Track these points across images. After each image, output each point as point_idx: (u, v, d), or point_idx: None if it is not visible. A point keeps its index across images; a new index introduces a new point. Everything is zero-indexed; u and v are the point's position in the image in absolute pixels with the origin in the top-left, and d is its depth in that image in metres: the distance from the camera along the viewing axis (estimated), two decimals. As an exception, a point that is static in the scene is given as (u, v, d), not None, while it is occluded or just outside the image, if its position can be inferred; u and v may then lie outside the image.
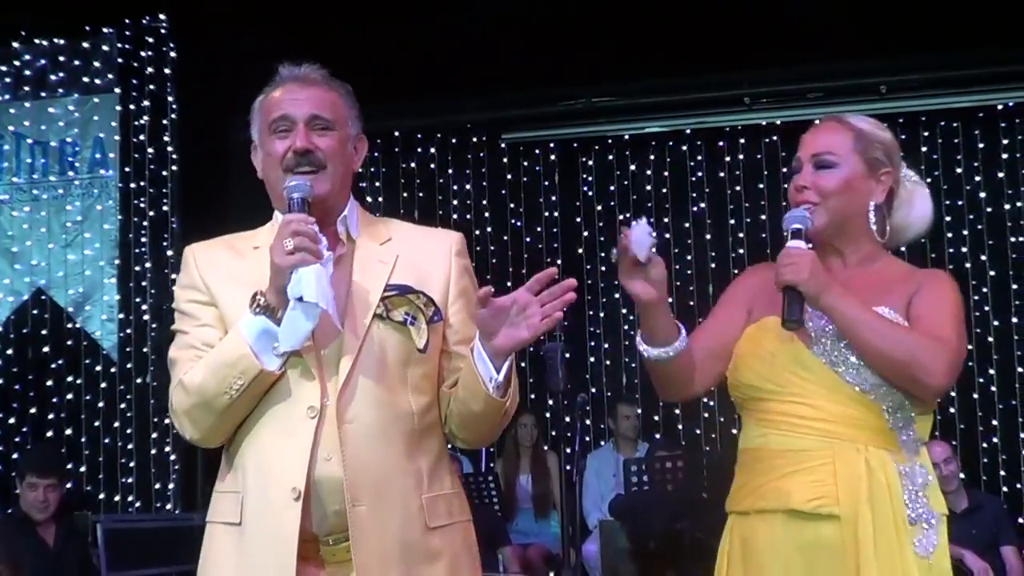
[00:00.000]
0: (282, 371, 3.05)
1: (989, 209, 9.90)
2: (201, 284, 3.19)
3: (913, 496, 3.29)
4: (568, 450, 8.09)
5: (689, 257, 10.36)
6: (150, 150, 9.90)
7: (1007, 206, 9.87)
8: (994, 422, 9.70)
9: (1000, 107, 9.87)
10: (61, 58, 10.06)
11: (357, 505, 3.02)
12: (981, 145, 9.96)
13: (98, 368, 9.76)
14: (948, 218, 9.90)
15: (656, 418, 10.32)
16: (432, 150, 10.56)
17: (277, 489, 3.02)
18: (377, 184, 10.46)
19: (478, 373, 3.04)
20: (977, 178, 9.95)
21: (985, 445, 9.69)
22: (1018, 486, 9.62)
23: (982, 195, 9.92)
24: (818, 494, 3.28)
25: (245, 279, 3.13)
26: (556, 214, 10.72)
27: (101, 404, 9.70)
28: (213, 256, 3.26)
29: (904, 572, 3.23)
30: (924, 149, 9.99)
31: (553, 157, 10.76)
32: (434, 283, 3.21)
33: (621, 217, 10.44)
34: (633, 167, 10.58)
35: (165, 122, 9.96)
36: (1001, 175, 9.89)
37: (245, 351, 3.01)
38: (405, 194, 10.68)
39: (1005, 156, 9.90)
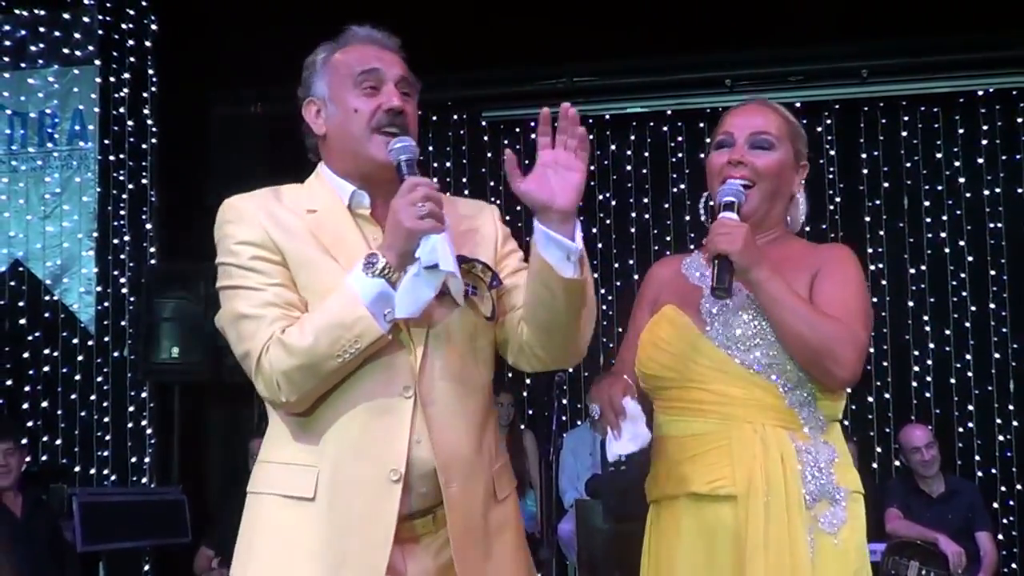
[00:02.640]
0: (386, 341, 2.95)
1: (968, 195, 9.92)
2: (268, 241, 3.03)
3: (815, 473, 3.29)
4: (545, 429, 8.09)
5: (668, 238, 10.37)
6: (130, 123, 9.85)
7: (986, 192, 9.88)
8: (970, 407, 9.73)
9: (980, 93, 9.88)
10: (41, 29, 9.99)
11: (450, 486, 2.98)
12: (961, 131, 9.98)
13: (75, 341, 9.71)
14: (927, 203, 9.93)
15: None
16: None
17: (372, 469, 2.94)
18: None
19: (548, 262, 2.93)
20: (956, 163, 9.96)
21: (961, 430, 9.72)
22: (993, 471, 9.66)
23: (961, 180, 9.94)
24: (715, 476, 3.31)
25: (308, 240, 3.03)
26: (536, 193, 10.69)
27: (78, 377, 9.66)
28: (276, 213, 3.09)
29: (795, 550, 3.22)
30: (904, 134, 10.01)
31: (534, 136, 10.67)
32: (485, 249, 3.17)
33: (601, 197, 10.44)
34: (614, 147, 10.57)
35: (145, 95, 9.91)
36: (980, 161, 9.91)
37: (362, 313, 2.88)
38: (386, 171, 10.65)
39: (984, 142, 9.92)
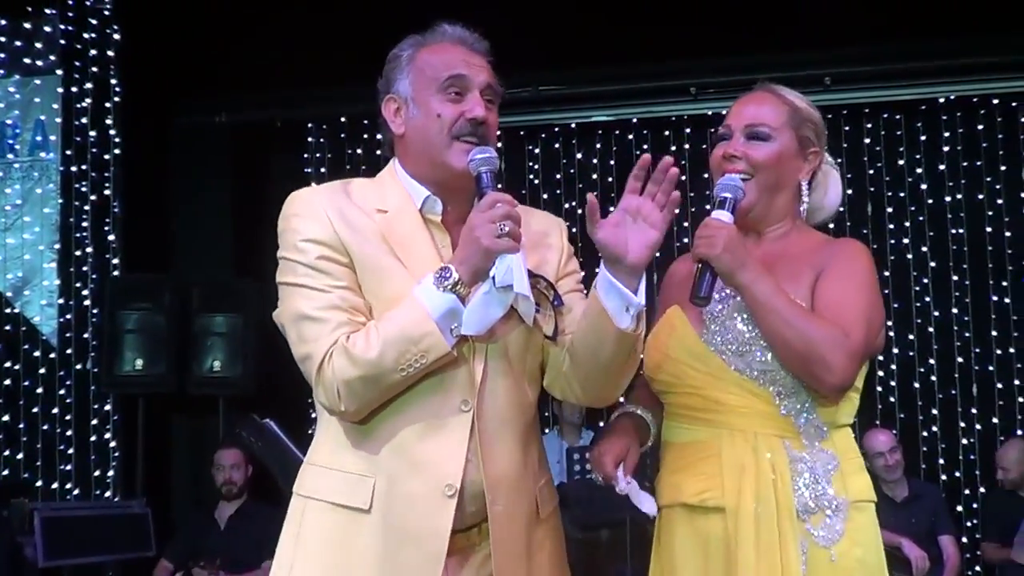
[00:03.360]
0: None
1: (931, 201, 9.96)
2: (337, 241, 2.97)
3: (811, 483, 3.21)
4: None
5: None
6: (92, 133, 9.78)
7: (948, 198, 9.92)
8: (934, 411, 9.77)
9: (942, 100, 9.91)
10: (2, 39, 9.92)
11: (495, 504, 2.96)
12: (923, 138, 10.01)
13: (37, 354, 9.64)
14: (890, 209, 9.96)
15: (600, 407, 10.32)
16: (378, 136, 10.51)
17: (428, 483, 2.92)
18: (323, 170, 10.40)
19: (605, 308, 2.92)
20: (919, 170, 10.00)
21: (925, 434, 9.75)
22: (957, 475, 9.69)
23: (924, 187, 9.97)
24: (705, 487, 3.25)
25: (377, 242, 2.99)
26: (501, 202, 10.67)
27: (40, 390, 9.58)
28: (344, 210, 3.03)
29: (786, 564, 3.14)
30: (867, 141, 10.04)
31: (500, 145, 10.69)
32: (550, 265, 3.14)
33: (567, 206, 10.43)
34: (580, 155, 10.57)
35: (108, 105, 9.84)
36: (942, 167, 9.95)
37: (431, 328, 2.85)
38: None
39: (947, 149, 9.96)
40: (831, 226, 3.59)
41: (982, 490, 9.57)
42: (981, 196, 9.87)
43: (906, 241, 9.92)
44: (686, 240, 10.20)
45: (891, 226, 9.96)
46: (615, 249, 2.91)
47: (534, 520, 3.08)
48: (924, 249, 9.91)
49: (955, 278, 9.87)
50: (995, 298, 9.79)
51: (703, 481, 3.25)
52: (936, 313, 9.84)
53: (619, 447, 3.27)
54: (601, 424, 10.03)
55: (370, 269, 2.98)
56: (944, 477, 9.64)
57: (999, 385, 9.70)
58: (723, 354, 3.27)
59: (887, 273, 9.83)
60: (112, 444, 9.53)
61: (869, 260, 3.37)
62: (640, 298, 2.92)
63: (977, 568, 9.36)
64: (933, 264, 9.89)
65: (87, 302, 9.67)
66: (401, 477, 2.93)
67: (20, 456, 9.57)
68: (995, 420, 9.66)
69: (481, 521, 2.99)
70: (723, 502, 3.21)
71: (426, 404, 2.94)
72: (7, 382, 9.65)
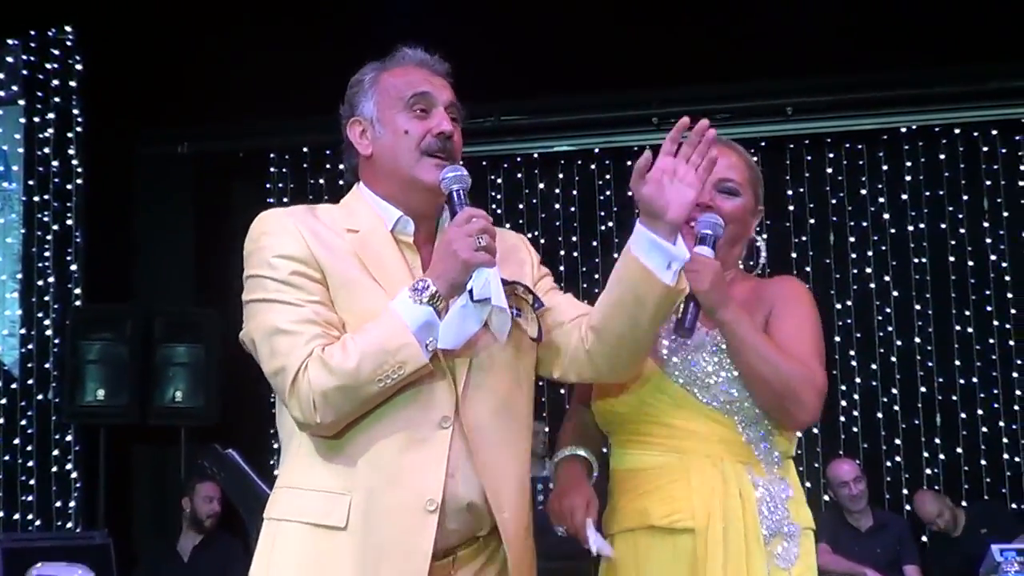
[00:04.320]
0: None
1: (893, 230, 10.00)
2: (310, 257, 2.96)
3: (772, 508, 3.31)
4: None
5: (597, 276, 10.38)
6: (55, 163, 9.75)
7: (910, 228, 9.97)
8: (897, 441, 9.80)
9: (904, 130, 9.97)
10: (-35, 69, 9.91)
11: (502, 512, 2.96)
12: (885, 167, 10.07)
13: (-2, 384, 9.60)
14: (852, 239, 10.00)
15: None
16: (340, 166, 10.50)
17: (408, 499, 2.88)
18: (285, 200, 10.39)
19: (647, 267, 2.95)
20: (881, 199, 10.04)
21: (888, 464, 9.77)
22: (920, 504, 9.72)
23: (886, 216, 10.02)
24: (674, 509, 3.30)
25: (350, 260, 2.98)
26: (465, 231, 10.67)
27: (1, 420, 9.52)
28: (317, 229, 3.03)
29: None
30: (829, 171, 10.09)
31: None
32: (525, 274, 3.17)
33: (530, 236, 10.42)
34: (542, 185, 10.59)
35: (70, 135, 9.82)
36: (904, 197, 10.00)
37: (408, 340, 2.83)
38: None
39: (908, 178, 10.01)
40: (794, 255, 3.65)
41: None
42: (944, 225, 9.93)
43: (868, 271, 9.96)
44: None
45: (853, 255, 10.00)
46: (656, 205, 2.97)
47: (530, 525, 3.10)
48: (887, 279, 9.95)
49: (917, 307, 9.91)
50: (958, 328, 9.83)
51: (671, 504, 3.30)
52: (899, 342, 9.88)
53: (582, 499, 3.32)
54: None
55: (343, 285, 2.96)
56: (908, 507, 9.66)
57: (962, 415, 9.73)
58: (688, 385, 3.36)
59: (849, 303, 9.88)
60: (74, 475, 9.47)
61: (812, 298, 3.52)
62: (684, 251, 2.97)
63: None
64: (896, 294, 9.93)
65: (49, 332, 9.62)
66: (379, 492, 2.89)
67: (-19, 487, 9.49)
68: (959, 450, 9.70)
69: (459, 545, 2.97)
70: (693, 524, 3.26)
71: (406, 418, 2.91)
72: (-32, 413, 9.58)
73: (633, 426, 3.42)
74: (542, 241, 10.51)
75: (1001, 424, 9.69)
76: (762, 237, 3.64)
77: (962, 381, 9.77)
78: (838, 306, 9.93)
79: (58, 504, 9.44)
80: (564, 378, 3.18)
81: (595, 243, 10.43)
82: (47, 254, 9.69)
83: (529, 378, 3.13)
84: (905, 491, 9.73)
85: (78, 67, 9.83)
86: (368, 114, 3.13)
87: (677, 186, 2.98)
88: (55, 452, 9.49)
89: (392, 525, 2.87)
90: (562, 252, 10.49)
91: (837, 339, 9.85)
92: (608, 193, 10.47)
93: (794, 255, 9.92)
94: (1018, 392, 9.70)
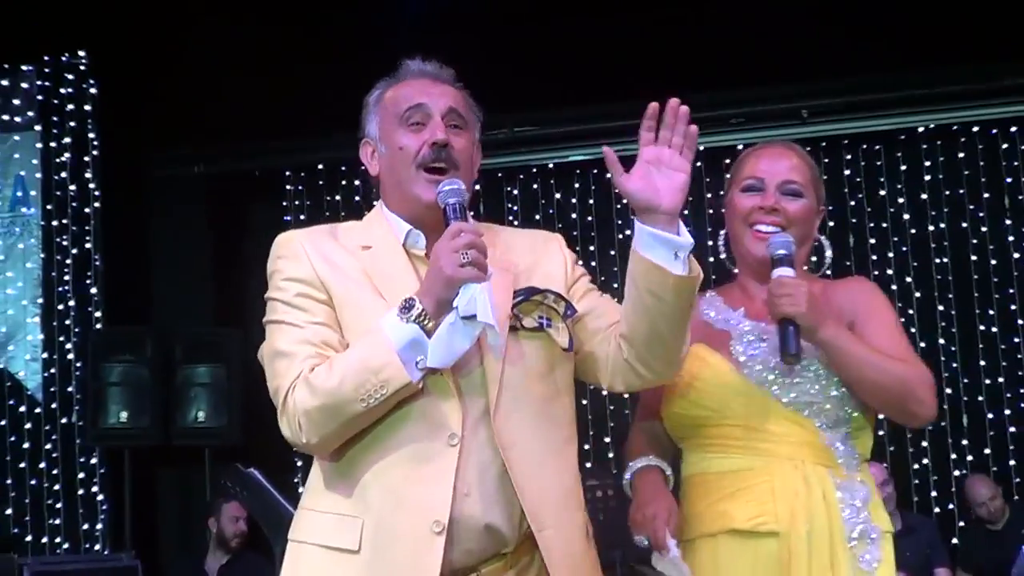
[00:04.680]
0: (420, 388, 2.86)
1: (913, 231, 9.96)
2: (316, 279, 2.98)
3: (854, 512, 3.30)
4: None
5: (616, 285, 10.36)
6: (72, 187, 9.80)
7: (931, 228, 9.93)
8: (924, 444, 9.74)
9: (921, 129, 9.94)
10: (-19, 96, 9.95)
11: (544, 530, 2.90)
12: (903, 167, 10.03)
13: (22, 409, 9.62)
14: (872, 240, 9.97)
15: (587, 447, 10.29)
16: (356, 181, 10.52)
17: (414, 521, 2.84)
18: (302, 218, 10.39)
19: (654, 262, 2.89)
20: (900, 200, 10.01)
21: (916, 467, 9.72)
22: (950, 507, 9.66)
23: (906, 217, 9.98)
24: (758, 512, 3.29)
25: (359, 278, 2.98)
26: (483, 244, 10.67)
27: (26, 445, 9.56)
28: (325, 250, 3.04)
29: None
30: (847, 172, 10.06)
31: (477, 187, 10.70)
32: (556, 278, 3.10)
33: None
34: (558, 195, 10.57)
35: (87, 159, 9.87)
36: (924, 197, 9.96)
37: (392, 359, 2.80)
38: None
39: (928, 178, 9.97)
40: (813, 257, 3.63)
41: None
42: (964, 224, 9.88)
43: (890, 272, 9.91)
44: (713, 276, 10.20)
45: (874, 257, 9.96)
46: (648, 197, 2.90)
47: (586, 541, 3.04)
48: (908, 280, 9.91)
49: (940, 308, 9.87)
50: (982, 327, 9.79)
51: (755, 507, 3.30)
52: (923, 344, 9.81)
53: (664, 509, 3.31)
54: (588, 465, 10.01)
55: (349, 305, 2.96)
56: (937, 509, 9.61)
57: (989, 415, 9.68)
58: (765, 386, 3.36)
59: (872, 304, 9.84)
60: (100, 497, 9.51)
61: (884, 296, 3.56)
62: (687, 237, 2.90)
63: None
64: (918, 295, 9.89)
65: (71, 356, 9.66)
66: (388, 516, 2.86)
67: (8, 511, 9.52)
68: (987, 451, 9.64)
69: (481, 563, 2.91)
70: (777, 527, 3.27)
71: (412, 438, 2.88)
72: (-7, 438, 9.61)
73: (711, 429, 3.41)
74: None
75: (1028, 423, 9.66)
76: (824, 237, 3.64)
77: (988, 381, 9.72)
78: (860, 309, 9.88)
79: (85, 527, 9.48)
80: (612, 388, 3.14)
81: (613, 252, 10.40)
82: (67, 278, 9.73)
83: (569, 387, 3.09)
84: (934, 493, 9.69)
85: (92, 91, 9.89)
86: (373, 134, 3.16)
87: (665, 172, 2.92)
88: (80, 475, 9.53)
89: (400, 549, 2.85)
90: (580, 262, 10.46)
91: (860, 341, 9.79)
92: (625, 201, 10.43)
93: (813, 257, 9.87)
94: (1046, 390, 9.67)
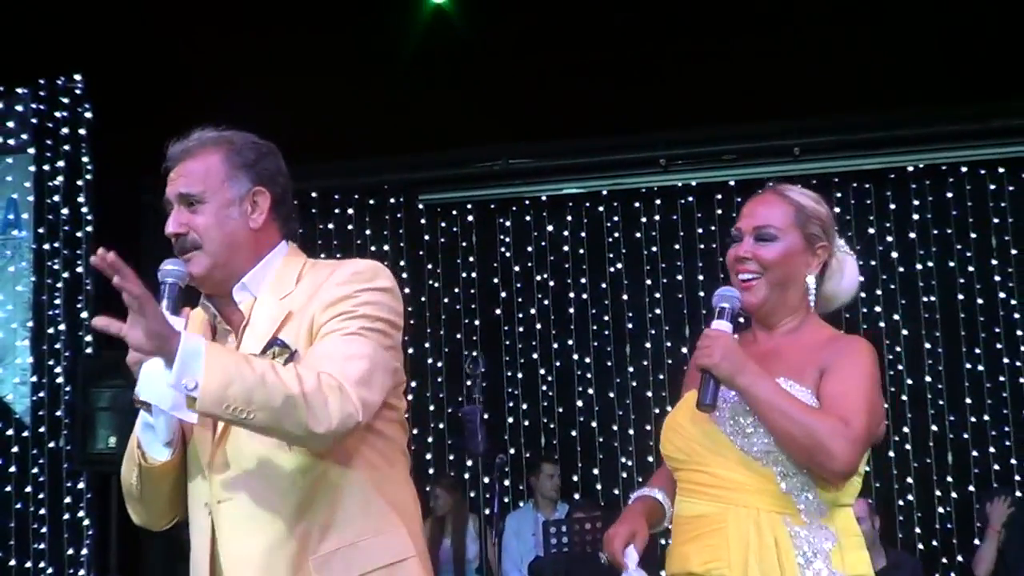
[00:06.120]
0: (177, 460, 3.02)
1: (901, 269, 10.02)
2: None
3: (810, 558, 3.35)
4: (487, 511, 8.06)
5: (606, 317, 10.40)
6: (64, 211, 9.78)
7: (919, 266, 9.98)
8: (909, 480, 9.77)
9: (911, 168, 10.00)
10: (-26, 118, 9.95)
11: None
12: (893, 206, 10.08)
13: (10, 432, 9.57)
14: (861, 278, 9.96)
15: (575, 479, 10.31)
16: (349, 211, 10.54)
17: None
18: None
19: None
20: (889, 238, 10.06)
21: (901, 503, 9.75)
22: (934, 544, 9.69)
23: (894, 255, 10.03)
24: (712, 557, 3.41)
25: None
26: (474, 275, 10.71)
27: (13, 469, 9.51)
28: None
29: None
30: (837, 210, 9.98)
31: (471, 218, 10.78)
32: (307, 323, 3.05)
33: (539, 278, 10.47)
34: (550, 228, 10.62)
35: (80, 183, 9.85)
36: (913, 235, 10.01)
37: (134, 445, 3.04)
38: (323, 255, 10.62)
39: (916, 217, 10.03)
40: (811, 297, 3.64)
41: (960, 559, 9.57)
42: (952, 263, 9.93)
43: (878, 309, 9.96)
44: (658, 311, 10.23)
45: (863, 295, 9.99)
46: None
47: None
48: (896, 317, 9.95)
49: (928, 346, 9.91)
50: (968, 365, 9.83)
51: (710, 552, 3.42)
52: (910, 381, 9.87)
53: (626, 530, 3.52)
54: (576, 496, 10.04)
55: None
56: (921, 546, 9.63)
57: (974, 453, 9.72)
58: (732, 435, 3.46)
59: (860, 342, 9.86)
60: (86, 522, 9.48)
61: (873, 357, 3.52)
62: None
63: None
64: (905, 332, 9.93)
65: (60, 380, 9.63)
66: None
67: (-7, 535, 9.48)
68: (971, 488, 9.67)
69: None
70: (729, 572, 3.37)
71: (191, 508, 3.09)
72: (-20, 461, 9.58)
73: (685, 473, 3.56)
74: (551, 283, 10.53)
75: (1013, 462, 9.67)
76: (812, 277, 3.64)
77: (973, 419, 9.76)
78: (848, 346, 9.91)
79: (70, 552, 9.44)
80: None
81: (604, 285, 10.45)
82: (57, 301, 9.71)
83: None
84: (918, 530, 9.71)
85: (87, 115, 9.88)
86: None
87: None
88: (67, 500, 9.49)
89: None
90: (571, 295, 10.52)
91: (847, 378, 9.82)
92: (616, 235, 10.49)
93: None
94: (1030, 430, 9.69)
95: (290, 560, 2.96)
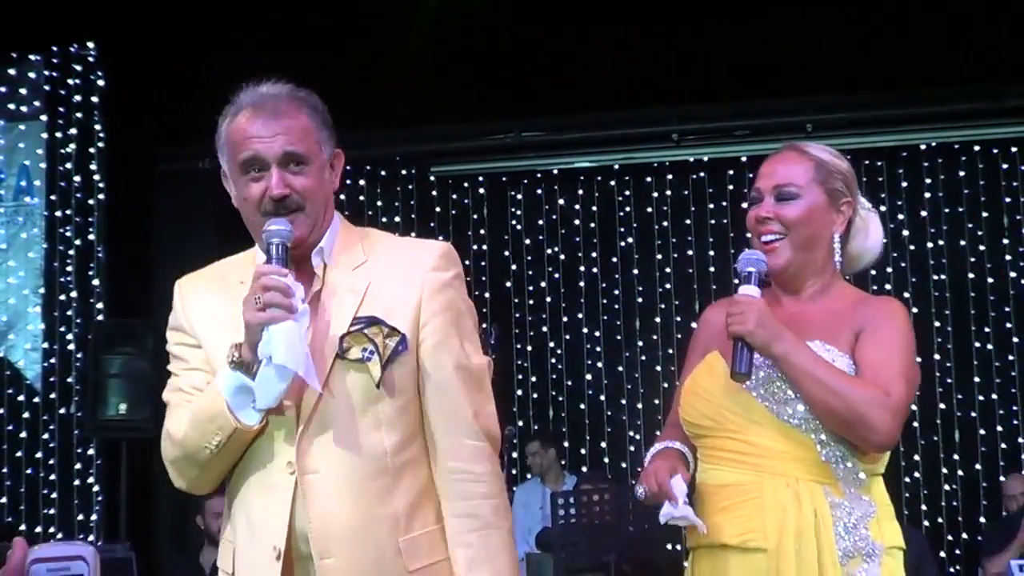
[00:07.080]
0: (264, 424, 2.92)
1: (912, 247, 10.02)
2: (187, 325, 3.06)
3: (849, 528, 3.26)
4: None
5: (617, 292, 10.41)
6: (76, 178, 9.80)
7: (930, 244, 9.98)
8: (916, 457, 9.78)
9: (923, 147, 10.00)
10: (-13, 85, 9.96)
11: (325, 558, 2.91)
12: (904, 184, 10.08)
13: (21, 398, 9.62)
14: (884, 239, 9.98)
15: (583, 452, 10.34)
16: (361, 182, 10.54)
17: (262, 547, 2.93)
18: (306, 216, 10.42)
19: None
20: (901, 216, 10.06)
21: (907, 480, 9.76)
22: (939, 520, 9.71)
23: (905, 233, 10.03)
24: (746, 528, 3.28)
25: (227, 318, 2.97)
26: (484, 248, 10.72)
27: (23, 434, 9.56)
28: (198, 293, 3.10)
29: None
30: (849, 188, 10.08)
31: (482, 191, 10.78)
32: (404, 308, 2.99)
33: (549, 251, 10.47)
34: (562, 201, 10.62)
35: (92, 150, 9.86)
36: (924, 213, 10.02)
37: (222, 407, 2.88)
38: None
39: (928, 195, 10.03)
40: (838, 257, 3.56)
41: (965, 536, 9.59)
42: (963, 242, 9.94)
43: (888, 287, 9.94)
44: (668, 286, 10.25)
45: (873, 272, 9.95)
46: None
47: (392, 572, 2.98)
48: (906, 295, 9.94)
49: (937, 324, 9.92)
50: (977, 344, 9.84)
51: (744, 523, 3.30)
52: (918, 359, 9.83)
53: (668, 466, 3.35)
54: (584, 469, 10.06)
55: (210, 348, 3.02)
56: (927, 523, 9.65)
57: (981, 431, 9.73)
58: (766, 401, 3.33)
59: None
60: (95, 488, 9.51)
61: (908, 318, 3.46)
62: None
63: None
64: (915, 310, 9.91)
65: (71, 347, 9.66)
66: (245, 540, 2.99)
67: (3, 500, 9.54)
68: (977, 466, 9.69)
69: None
70: (765, 543, 3.26)
71: (257, 472, 2.98)
72: (-9, 426, 9.63)
73: (713, 440, 3.41)
74: (562, 257, 10.54)
75: (1020, 440, 9.69)
76: (838, 234, 3.51)
77: (981, 398, 9.78)
78: (858, 322, 9.92)
79: (80, 517, 9.48)
80: None
81: (615, 259, 10.46)
82: (69, 269, 9.74)
83: (394, 421, 2.99)
84: (924, 507, 9.73)
85: (100, 83, 9.89)
86: (224, 168, 3.13)
87: None
88: (77, 466, 9.53)
89: (252, 573, 2.98)
90: (582, 268, 10.52)
91: (857, 355, 9.83)
92: (628, 209, 10.49)
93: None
94: (1037, 408, 9.70)
95: (384, 538, 2.96)
